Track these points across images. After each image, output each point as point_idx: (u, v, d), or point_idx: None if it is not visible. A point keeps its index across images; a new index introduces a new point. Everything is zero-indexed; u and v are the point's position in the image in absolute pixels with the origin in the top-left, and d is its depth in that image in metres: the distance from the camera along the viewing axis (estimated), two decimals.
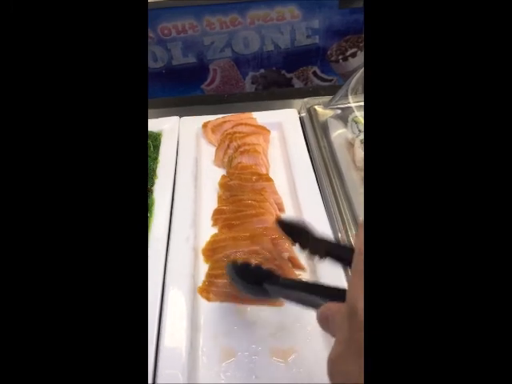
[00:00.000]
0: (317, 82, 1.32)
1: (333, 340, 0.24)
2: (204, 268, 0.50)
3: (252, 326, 0.44)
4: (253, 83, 1.31)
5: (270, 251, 0.48)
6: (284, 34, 1.17)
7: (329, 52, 1.23)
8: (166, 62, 1.21)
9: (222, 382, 0.39)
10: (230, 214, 0.54)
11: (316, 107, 0.69)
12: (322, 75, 1.31)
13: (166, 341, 0.41)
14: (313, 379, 0.39)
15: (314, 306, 0.30)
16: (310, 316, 0.39)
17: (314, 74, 1.31)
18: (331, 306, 0.26)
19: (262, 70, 1.28)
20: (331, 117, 0.67)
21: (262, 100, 0.78)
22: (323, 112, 0.68)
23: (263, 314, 0.45)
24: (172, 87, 1.28)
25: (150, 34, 1.10)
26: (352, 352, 0.21)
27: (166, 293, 0.45)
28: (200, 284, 0.48)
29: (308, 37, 1.19)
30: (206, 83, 1.30)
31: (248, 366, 0.41)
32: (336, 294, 0.29)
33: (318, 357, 0.41)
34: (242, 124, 0.65)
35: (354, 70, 1.34)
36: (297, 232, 0.41)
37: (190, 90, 1.28)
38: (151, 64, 1.20)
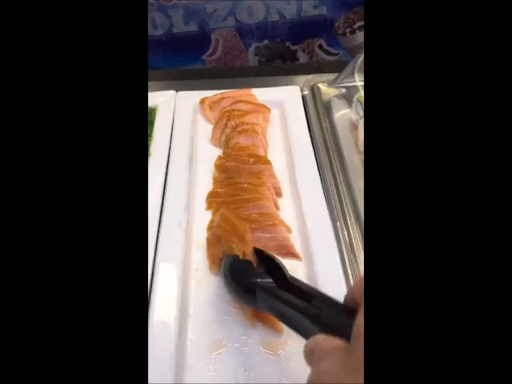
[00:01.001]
0: (322, 55, 1.27)
1: None
2: (196, 254, 0.48)
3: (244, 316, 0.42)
4: (256, 55, 1.26)
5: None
6: (290, 4, 1.12)
7: (336, 24, 1.18)
8: (167, 29, 1.15)
9: (211, 373, 0.38)
10: (225, 197, 0.51)
11: (320, 85, 0.65)
12: (328, 49, 1.26)
13: (154, 329, 0.39)
14: (303, 374, 0.38)
15: (305, 332, 0.28)
16: None
17: (320, 47, 1.26)
18: (320, 341, 0.24)
19: (266, 42, 1.23)
20: (335, 96, 0.63)
21: (264, 75, 0.75)
22: (327, 91, 0.64)
23: None
24: (172, 57, 1.23)
25: None
26: None
27: (155, 280, 0.43)
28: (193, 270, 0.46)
29: (315, 7, 1.13)
30: (208, 53, 1.25)
31: (238, 357, 0.39)
32: (333, 321, 0.27)
33: None
34: (241, 101, 0.62)
35: (362, 44, 1.28)
36: (271, 267, 0.38)
37: (191, 60, 1.24)
38: (151, 31, 1.15)
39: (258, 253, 0.39)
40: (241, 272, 0.38)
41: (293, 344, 0.40)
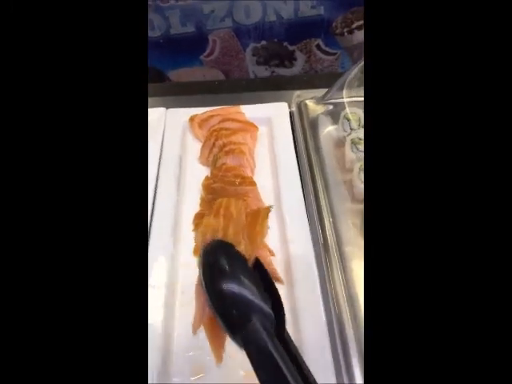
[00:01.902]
0: (320, 55, 1.27)
1: None
2: (182, 276, 0.50)
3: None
4: (253, 55, 1.26)
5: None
6: (287, 4, 1.12)
7: (334, 24, 1.18)
8: (164, 30, 1.16)
9: None
10: (212, 219, 0.53)
11: (307, 101, 0.66)
12: (326, 49, 1.26)
13: None
14: None
15: None
16: None
17: (318, 47, 1.25)
18: None
19: (264, 42, 1.23)
20: (322, 113, 0.64)
21: (254, 88, 0.76)
22: (315, 107, 0.65)
23: None
24: (170, 58, 1.24)
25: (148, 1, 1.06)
26: None
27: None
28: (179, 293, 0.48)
29: (312, 7, 1.13)
30: (205, 54, 1.25)
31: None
32: None
33: None
34: (229, 119, 0.63)
35: (359, 44, 1.27)
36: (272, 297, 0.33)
37: (189, 60, 1.24)
38: (148, 33, 1.16)
39: (259, 267, 0.31)
40: (236, 278, 0.28)
41: None
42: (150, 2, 1.05)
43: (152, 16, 1.09)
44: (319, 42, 1.22)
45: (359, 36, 1.21)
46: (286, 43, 1.22)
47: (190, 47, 1.21)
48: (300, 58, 1.27)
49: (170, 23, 1.13)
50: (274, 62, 1.28)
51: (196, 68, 1.24)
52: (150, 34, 1.15)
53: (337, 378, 0.40)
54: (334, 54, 1.25)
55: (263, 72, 1.26)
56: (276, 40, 1.20)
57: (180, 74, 1.23)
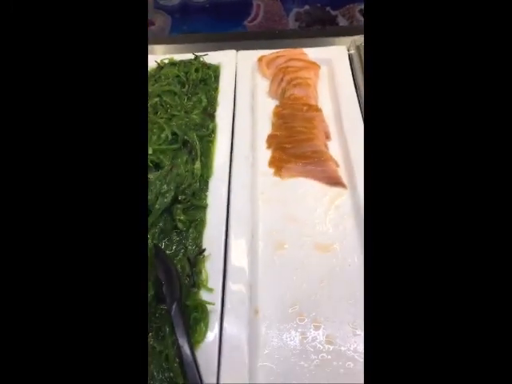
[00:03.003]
0: (363, 20, 1.30)
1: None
2: (262, 183, 0.59)
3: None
4: (296, 20, 1.30)
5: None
6: None
7: None
8: None
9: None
10: (283, 138, 0.62)
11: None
12: None
13: (231, 238, 0.52)
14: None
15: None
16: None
17: (361, 12, 1.29)
18: None
19: (307, 7, 1.26)
20: None
21: (310, 37, 0.83)
22: None
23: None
24: (215, 22, 1.29)
25: None
26: None
27: (230, 201, 0.55)
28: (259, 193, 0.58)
29: None
30: (249, 19, 1.30)
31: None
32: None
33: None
34: (294, 59, 0.71)
35: None
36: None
37: (232, 26, 1.30)
38: None
39: (158, 251, 0.48)
40: (163, 272, 0.46)
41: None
42: None
43: None
44: (362, 6, 1.26)
45: None
46: (328, 8, 1.26)
47: (235, 12, 1.26)
48: (342, 22, 1.31)
49: None
50: (316, 27, 1.32)
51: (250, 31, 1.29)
52: None
53: None
54: None
55: None
56: (319, 5, 1.24)
57: None
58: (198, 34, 1.02)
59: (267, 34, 0.91)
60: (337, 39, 0.80)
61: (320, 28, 1.23)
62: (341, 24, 1.31)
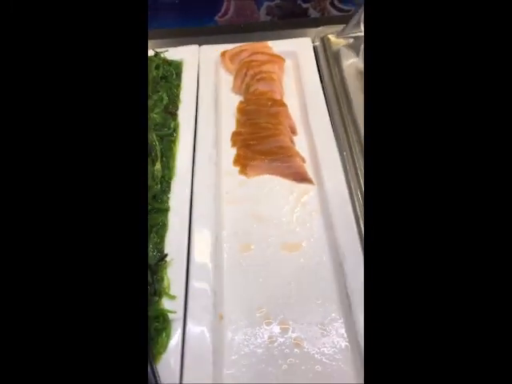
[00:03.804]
0: (334, 12, 1.29)
1: None
2: (227, 183, 0.57)
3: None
4: (267, 14, 1.29)
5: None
6: None
7: None
8: None
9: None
10: (248, 135, 0.60)
11: (329, 36, 0.71)
12: (340, 5, 1.27)
13: (195, 238, 0.50)
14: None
15: None
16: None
17: (332, 4, 1.27)
18: None
19: (278, 1, 1.25)
20: (343, 46, 0.70)
21: (277, 29, 0.81)
22: (336, 41, 0.71)
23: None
24: (185, 18, 1.27)
25: None
26: None
27: (193, 203, 0.53)
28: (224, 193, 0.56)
29: None
30: (220, 14, 1.28)
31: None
32: None
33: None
34: (258, 53, 0.69)
35: None
36: None
37: (204, 21, 1.27)
38: None
39: None
40: None
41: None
42: None
43: None
44: None
45: None
46: (299, 1, 1.25)
47: (205, 8, 1.24)
48: (314, 15, 1.30)
49: None
50: (287, 20, 1.31)
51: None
52: None
53: None
54: (348, 11, 1.27)
55: None
56: None
57: None
58: (161, 30, 0.99)
59: (232, 28, 0.88)
60: (307, 31, 0.78)
61: (285, 20, 1.21)
62: (312, 16, 1.30)
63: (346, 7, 1.27)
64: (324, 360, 0.42)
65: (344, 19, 0.78)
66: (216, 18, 1.28)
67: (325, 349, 0.42)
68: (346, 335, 0.43)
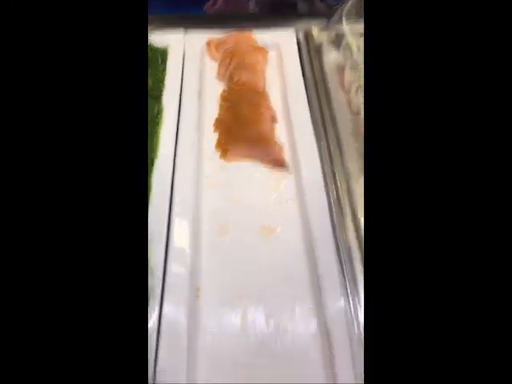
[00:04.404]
0: (322, 7, 1.30)
1: None
2: (207, 167, 0.59)
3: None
4: (256, 6, 1.30)
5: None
6: None
7: None
8: None
9: None
10: (230, 122, 0.62)
11: (313, 30, 0.73)
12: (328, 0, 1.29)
13: (175, 225, 0.52)
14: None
15: None
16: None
17: None
18: None
19: None
20: (326, 40, 0.72)
21: (263, 20, 0.82)
22: (319, 35, 0.73)
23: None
24: (175, 7, 1.26)
25: None
26: None
27: (174, 185, 0.55)
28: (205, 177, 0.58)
29: None
30: (210, 3, 1.28)
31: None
32: None
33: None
34: (243, 43, 0.70)
35: None
36: None
37: (194, 11, 1.27)
38: None
39: None
40: None
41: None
42: None
43: None
44: None
45: None
46: None
47: None
48: (302, 8, 1.31)
49: None
50: (276, 12, 1.32)
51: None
52: None
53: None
54: (336, 5, 1.29)
55: None
56: None
57: None
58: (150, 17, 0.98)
59: (220, 17, 0.89)
60: (293, 23, 0.79)
61: (272, 12, 1.22)
62: (301, 9, 1.31)
63: (334, 2, 1.29)
64: (294, 339, 0.44)
65: (327, 13, 0.81)
66: (206, 7, 1.28)
67: (294, 330, 0.45)
68: (315, 319, 0.46)
